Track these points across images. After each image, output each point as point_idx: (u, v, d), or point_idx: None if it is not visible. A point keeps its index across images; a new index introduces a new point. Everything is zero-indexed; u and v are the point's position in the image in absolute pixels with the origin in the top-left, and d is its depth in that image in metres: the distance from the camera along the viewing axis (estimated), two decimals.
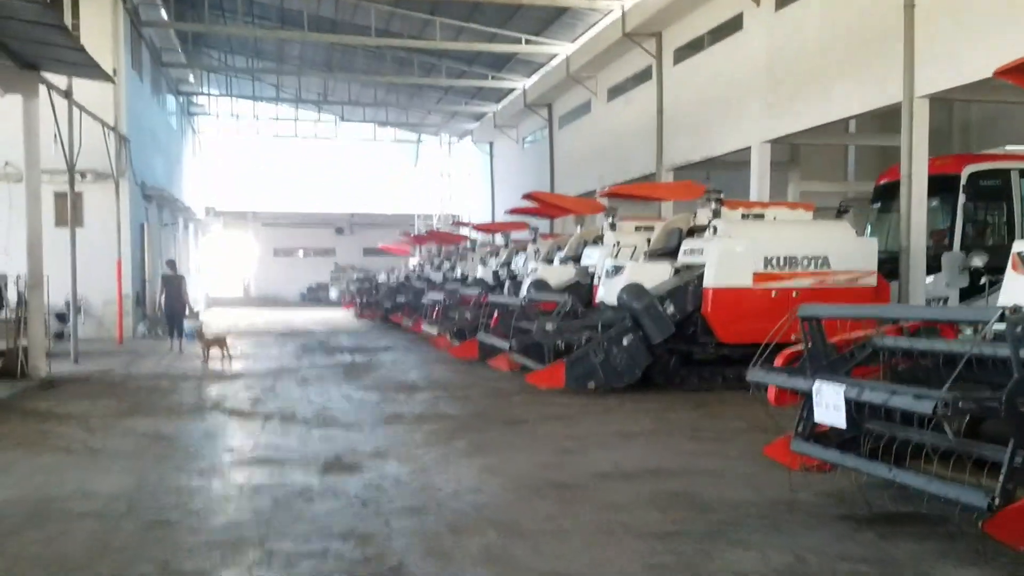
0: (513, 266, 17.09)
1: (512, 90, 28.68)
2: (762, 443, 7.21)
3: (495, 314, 12.51)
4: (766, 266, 10.62)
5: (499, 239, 24.71)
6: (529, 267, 14.58)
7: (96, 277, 18.14)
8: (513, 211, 17.02)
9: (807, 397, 5.49)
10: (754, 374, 5.73)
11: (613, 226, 13.65)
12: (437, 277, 22.43)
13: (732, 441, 7.44)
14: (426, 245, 28.76)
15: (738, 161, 17.67)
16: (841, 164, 21.99)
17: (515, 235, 19.77)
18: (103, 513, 5.20)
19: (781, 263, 10.68)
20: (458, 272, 21.41)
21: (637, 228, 13.96)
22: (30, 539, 4.72)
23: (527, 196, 14.52)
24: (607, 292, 11.52)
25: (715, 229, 10.88)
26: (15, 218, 18.05)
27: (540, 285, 13.28)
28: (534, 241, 17.87)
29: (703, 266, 10.80)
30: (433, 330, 14.83)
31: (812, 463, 5.72)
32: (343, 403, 9.56)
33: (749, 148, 16.50)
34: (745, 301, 10.66)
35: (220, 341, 13.63)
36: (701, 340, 10.73)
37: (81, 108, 14.14)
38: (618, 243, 12.39)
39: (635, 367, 10.36)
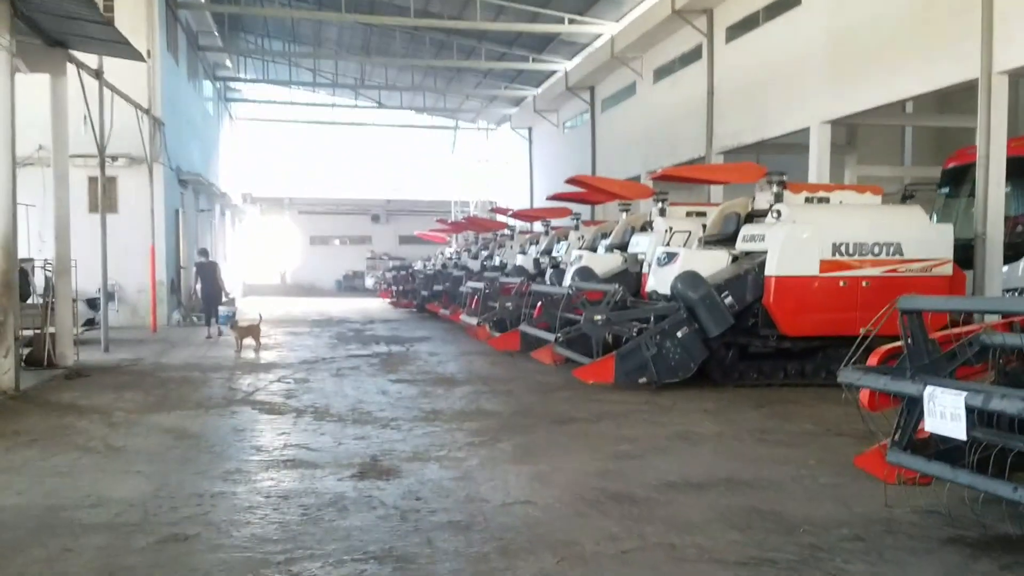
0: (555, 254, 16.43)
1: (553, 73, 27.91)
2: (840, 449, 6.52)
3: (538, 304, 11.85)
4: (834, 253, 9.82)
5: (539, 226, 24.12)
6: (572, 255, 13.89)
7: (130, 264, 17.87)
8: (555, 197, 16.33)
9: (910, 403, 4.78)
10: (847, 375, 5.00)
11: (663, 211, 12.88)
12: (475, 265, 21.85)
13: (806, 447, 6.72)
14: (463, 233, 28.22)
15: (791, 144, 16.80)
16: (897, 147, 20.92)
17: (555, 222, 19.10)
18: (114, 525, 4.66)
19: (850, 250, 9.87)
20: (496, 260, 20.80)
21: (688, 214, 13.18)
22: (32, 558, 4.19)
23: (571, 180, 13.81)
24: (658, 281, 10.81)
25: (778, 213, 10.10)
26: (49, 202, 17.86)
27: (586, 274, 12.57)
28: (576, 228, 17.19)
29: (765, 253, 10.04)
30: (472, 320, 14.24)
31: (911, 476, 5.01)
32: (379, 397, 9.00)
33: (805, 130, 15.64)
34: (811, 291, 9.89)
35: (253, 330, 13.19)
36: (762, 333, 9.99)
37: (113, 89, 13.74)
38: (670, 229, 11.65)
39: (690, 362, 9.65)
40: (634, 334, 9.63)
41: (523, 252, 19.28)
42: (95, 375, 10.54)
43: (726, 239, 11.06)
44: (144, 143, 17.17)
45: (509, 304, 12.97)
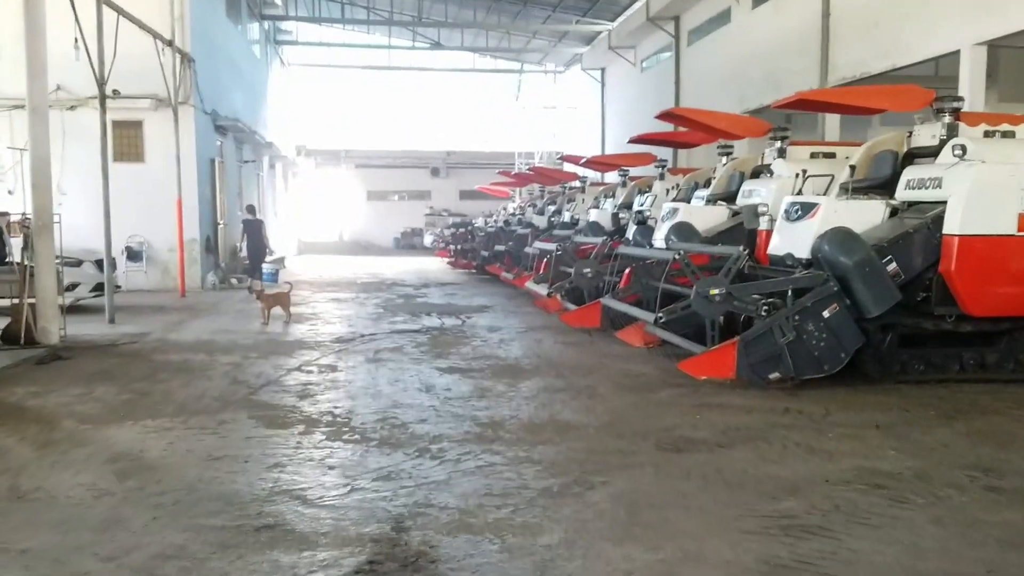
0: (638, 208, 13.89)
1: (632, 2, 24.88)
2: None
3: (626, 271, 9.40)
4: None
5: (612, 177, 21.51)
6: (664, 208, 11.34)
7: (160, 219, 16.04)
8: (638, 139, 13.72)
9: None
10: None
11: (783, 152, 10.23)
12: (540, 222, 19.43)
13: None
14: (528, 186, 25.75)
15: (919, 76, 13.84)
16: None
17: (634, 172, 16.52)
18: None
19: None
20: (565, 216, 18.34)
21: (813, 155, 10.48)
22: None
23: (664, 115, 11.19)
24: (787, 241, 8.25)
25: (962, 149, 7.39)
26: (69, 150, 16.05)
27: (685, 231, 10.07)
28: (661, 177, 14.61)
29: (941, 204, 7.40)
30: (540, 289, 11.79)
31: None
32: (420, 397, 6.75)
33: (952, 55, 12.69)
34: (1009, 255, 7.24)
35: (282, 299, 11.09)
36: (936, 312, 7.39)
37: (113, 6, 11.62)
38: (803, 172, 9.01)
39: (840, 351, 7.15)
40: (763, 314, 7.15)
41: (597, 206, 16.81)
42: (78, 357, 8.57)
43: (879, 186, 8.41)
44: (166, 79, 15.12)
45: (587, 270, 10.49)
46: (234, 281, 18.09)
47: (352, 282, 19.43)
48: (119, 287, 13.27)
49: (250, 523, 3.95)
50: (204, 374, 7.68)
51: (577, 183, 20.13)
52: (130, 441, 5.40)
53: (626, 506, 4.24)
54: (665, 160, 15.35)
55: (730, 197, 11.04)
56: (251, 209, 19.28)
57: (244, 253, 19.16)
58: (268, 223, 26.61)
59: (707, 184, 12.33)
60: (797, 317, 7.10)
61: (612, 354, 8.87)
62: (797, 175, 9.13)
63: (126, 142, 16.53)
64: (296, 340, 9.88)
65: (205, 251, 17.27)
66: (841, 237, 7.41)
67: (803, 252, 7.86)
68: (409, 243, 40.50)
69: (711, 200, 11.29)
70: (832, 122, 15.61)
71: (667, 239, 10.16)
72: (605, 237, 10.99)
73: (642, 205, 13.81)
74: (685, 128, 12.35)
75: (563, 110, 37.39)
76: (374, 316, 12.37)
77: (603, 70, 30.46)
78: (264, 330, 10.67)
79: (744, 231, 10.16)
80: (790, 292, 7.21)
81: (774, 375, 7.09)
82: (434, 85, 39.48)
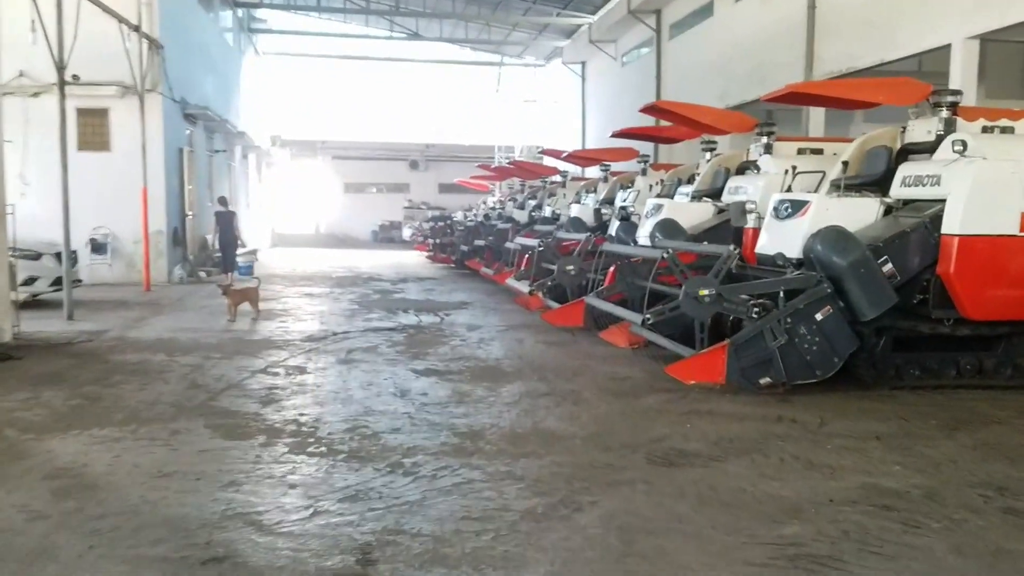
0: (620, 203, 13.54)
1: None
2: None
3: (611, 269, 9.02)
4: None
5: (592, 172, 21.15)
6: (648, 204, 10.98)
7: (125, 210, 15.47)
8: (621, 133, 13.36)
9: None
10: None
11: (769, 148, 9.92)
12: (521, 216, 19.01)
13: None
14: (507, 180, 25.31)
15: (905, 72, 13.59)
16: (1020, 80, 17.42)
17: (615, 167, 16.16)
18: None
19: None
20: (547, 211, 17.94)
21: (800, 151, 10.17)
22: None
23: (649, 108, 10.83)
24: (776, 239, 7.93)
25: (963, 145, 7.08)
26: (33, 138, 15.44)
27: (670, 228, 9.70)
28: (644, 173, 14.26)
29: (939, 202, 7.10)
30: (522, 287, 11.39)
31: None
32: (394, 404, 6.33)
33: (940, 50, 12.46)
34: (1011, 256, 6.95)
35: (250, 294, 10.60)
36: (934, 315, 7.09)
37: None
38: (792, 169, 8.68)
39: (833, 355, 6.84)
40: (754, 316, 6.80)
41: (578, 202, 16.44)
42: (29, 357, 8.05)
43: (872, 183, 8.10)
44: (132, 66, 14.52)
45: (571, 267, 10.11)
46: (203, 274, 17.53)
47: (327, 276, 18.93)
48: (80, 281, 12.72)
49: (196, 554, 3.52)
50: (161, 376, 7.20)
51: (558, 178, 19.76)
52: (73, 454, 4.94)
53: (618, 532, 3.85)
54: (648, 156, 15.02)
55: (715, 194, 10.69)
56: (223, 201, 18.90)
57: (216, 246, 18.73)
58: (240, 215, 26.03)
59: (691, 180, 11.99)
60: (789, 320, 6.76)
61: (596, 355, 8.50)
62: (786, 171, 8.80)
63: (91, 130, 15.92)
64: (264, 339, 9.41)
65: (173, 243, 16.70)
66: (835, 236, 7.08)
67: (794, 252, 7.54)
68: (387, 236, 39.94)
69: (696, 197, 10.94)
70: (816, 118, 15.35)
71: (652, 236, 9.79)
72: (588, 234, 10.62)
73: (625, 201, 13.45)
74: (669, 122, 11.97)
75: (543, 104, 36.97)
76: (348, 313, 11.91)
77: (583, 64, 30.07)
78: (230, 328, 10.18)
79: (730, 229, 9.82)
80: (781, 294, 6.87)
81: (765, 380, 6.76)
82: (413, 77, 38.88)
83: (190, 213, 18.06)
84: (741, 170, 10.57)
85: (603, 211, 14.23)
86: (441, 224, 25.44)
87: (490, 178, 26.17)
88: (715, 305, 6.90)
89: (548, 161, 24.77)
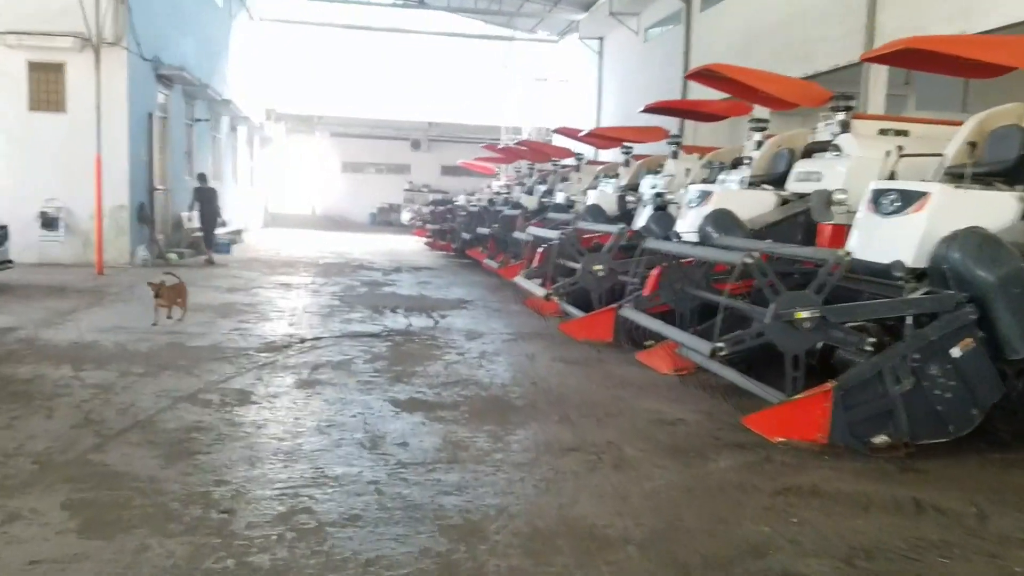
0: (651, 189, 11.59)
1: None
2: None
3: (654, 272, 7.06)
4: None
5: (606, 156, 19.22)
6: (691, 192, 9.01)
7: (84, 181, 13.50)
8: (654, 108, 11.41)
9: None
10: None
11: (846, 125, 7.97)
12: (530, 202, 17.07)
13: None
14: (515, 163, 23.32)
15: None
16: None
17: (637, 149, 14.25)
18: None
19: None
20: (559, 196, 15.98)
21: (883, 131, 8.22)
22: None
23: (697, 74, 8.85)
24: (878, 242, 5.97)
25: None
26: None
27: (724, 221, 7.77)
28: (675, 156, 12.29)
29: None
30: (535, 288, 9.37)
31: None
32: (359, 463, 4.42)
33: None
34: None
35: (179, 292, 8.55)
36: None
37: None
38: (898, 149, 6.69)
39: (971, 405, 4.93)
40: (867, 350, 4.89)
41: (595, 187, 14.49)
42: None
43: (1004, 172, 6.15)
44: (84, 13, 12.53)
45: (599, 267, 8.12)
46: (173, 256, 15.59)
47: (312, 263, 16.98)
48: (9, 263, 10.80)
49: None
50: (47, 405, 5.27)
51: (571, 160, 17.80)
52: None
53: None
54: (679, 135, 13.09)
55: (776, 180, 8.76)
56: (202, 177, 17.18)
57: (196, 224, 16.90)
58: (226, 192, 24.08)
59: (735, 165, 10.05)
60: (917, 356, 4.85)
61: (632, 383, 6.58)
62: (888, 153, 6.82)
63: (44, 88, 13.93)
64: (211, 345, 7.48)
65: (138, 220, 14.73)
66: (979, 242, 5.15)
67: (906, 258, 5.62)
68: (386, 219, 37.92)
69: (752, 183, 8.98)
70: (876, 97, 13.36)
71: (701, 231, 7.87)
72: (622, 226, 8.63)
73: (655, 187, 11.50)
74: (722, 92, 10.01)
75: (554, 83, 34.85)
76: (326, 311, 9.98)
77: (601, 39, 27.95)
78: (174, 328, 8.24)
79: (801, 224, 7.92)
80: (909, 320, 4.95)
81: (880, 439, 4.87)
82: (417, 50, 36.69)
83: (161, 187, 16.08)
84: (809, 152, 8.64)
85: (628, 199, 12.29)
86: (441, 209, 23.48)
87: (497, 160, 24.22)
88: (817, 333, 4.97)
89: (558, 141, 22.75)
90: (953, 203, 5.60)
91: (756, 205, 8.45)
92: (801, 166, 8.33)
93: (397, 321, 9.38)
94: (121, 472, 4.11)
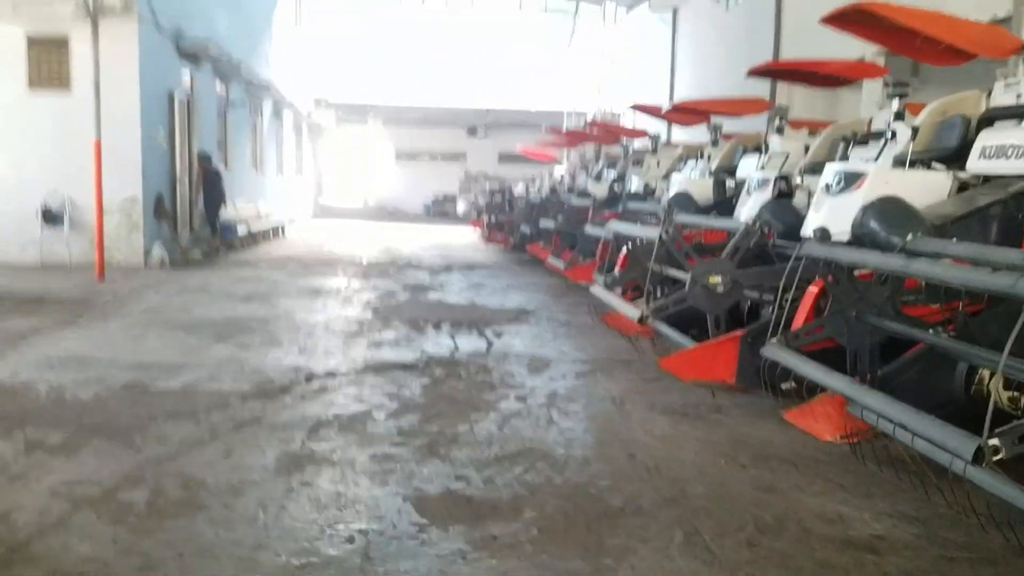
0: (746, 171, 9.29)
1: None
2: None
3: (812, 290, 4.79)
4: None
5: (680, 135, 16.93)
6: (830, 173, 6.62)
7: (91, 169, 11.69)
8: (763, 70, 9.08)
9: None
10: None
11: None
12: (599, 190, 14.81)
13: None
14: (580, 147, 21.05)
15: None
16: None
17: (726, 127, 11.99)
18: None
19: None
20: (633, 184, 13.70)
21: None
22: None
23: (838, 16, 6.54)
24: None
25: None
26: None
27: (894, 214, 5.44)
28: (780, 131, 9.92)
29: None
30: (622, 305, 6.94)
31: None
32: None
33: None
34: None
35: None
36: None
37: None
38: None
39: None
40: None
41: (678, 171, 12.21)
42: None
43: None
44: None
45: (717, 280, 5.74)
46: (196, 254, 13.86)
47: (354, 261, 15.09)
48: None
49: None
50: None
51: (646, 141, 15.50)
52: None
53: None
54: (785, 106, 10.74)
55: (950, 158, 6.37)
56: (207, 158, 14.97)
57: (200, 208, 15.14)
58: (268, 182, 22.46)
59: (863, 140, 7.68)
60: None
61: (779, 455, 4.38)
62: None
63: (46, 64, 12.27)
64: (181, 389, 5.50)
65: (155, 215, 13.00)
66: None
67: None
68: (441, 210, 36.07)
69: (915, 161, 6.60)
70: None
71: (859, 226, 5.56)
72: (749, 222, 6.30)
73: (764, 167, 9.17)
74: (871, 41, 7.64)
75: (620, 63, 32.33)
76: (353, 328, 7.96)
77: (675, 11, 25.40)
78: (142, 361, 6.30)
79: (995, 215, 5.59)
80: None
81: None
82: (473, 30, 34.59)
83: (185, 178, 14.35)
84: (989, 120, 6.25)
85: (728, 183, 10.01)
86: (498, 198, 21.40)
87: (559, 144, 22.02)
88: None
89: (628, 119, 20.43)
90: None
91: (926, 192, 6.11)
92: (989, 138, 5.96)
93: (440, 343, 7.32)
94: None
